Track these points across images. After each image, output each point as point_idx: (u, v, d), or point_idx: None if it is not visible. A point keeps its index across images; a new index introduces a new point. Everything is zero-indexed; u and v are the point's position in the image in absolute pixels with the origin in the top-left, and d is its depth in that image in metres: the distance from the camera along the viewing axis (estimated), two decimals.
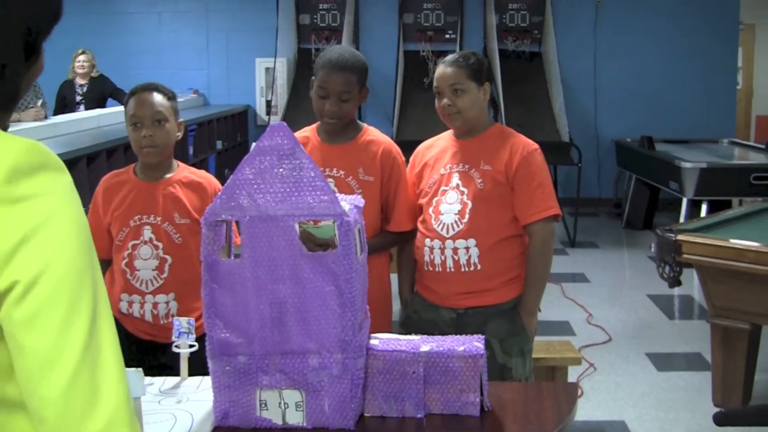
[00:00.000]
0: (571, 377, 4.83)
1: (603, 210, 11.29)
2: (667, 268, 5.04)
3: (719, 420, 3.14)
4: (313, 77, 3.42)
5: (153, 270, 3.22)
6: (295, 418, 2.36)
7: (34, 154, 1.30)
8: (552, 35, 11.08)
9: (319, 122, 3.45)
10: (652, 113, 11.46)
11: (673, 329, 6.63)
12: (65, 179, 1.34)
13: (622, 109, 11.56)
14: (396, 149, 3.55)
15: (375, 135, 3.55)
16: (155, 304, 3.22)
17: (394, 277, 3.85)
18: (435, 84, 3.52)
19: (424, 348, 2.43)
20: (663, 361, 5.87)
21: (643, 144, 9.82)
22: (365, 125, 3.57)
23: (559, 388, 2.80)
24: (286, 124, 2.28)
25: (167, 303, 3.23)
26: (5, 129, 1.40)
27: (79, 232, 1.31)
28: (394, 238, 3.57)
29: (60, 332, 1.26)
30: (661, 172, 9.19)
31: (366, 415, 2.43)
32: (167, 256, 3.22)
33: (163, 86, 3.32)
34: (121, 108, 3.32)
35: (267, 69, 11.97)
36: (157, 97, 3.24)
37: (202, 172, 3.42)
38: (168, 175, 3.29)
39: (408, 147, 3.82)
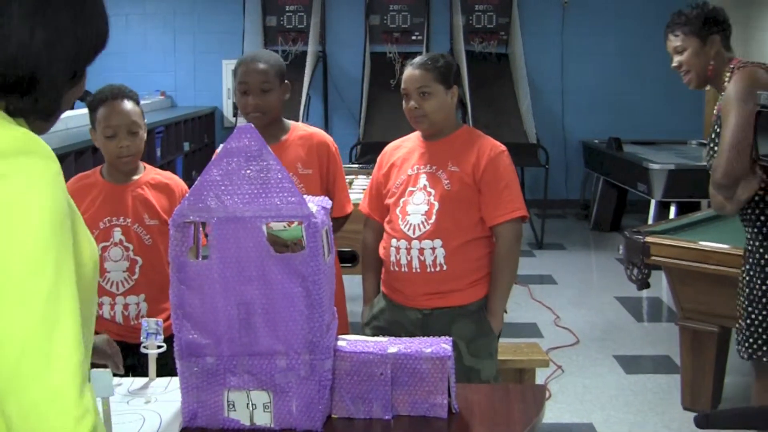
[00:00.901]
0: (539, 379, 4.86)
1: (570, 212, 11.31)
2: (635, 270, 5.06)
3: (700, 422, 3.15)
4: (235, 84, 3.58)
5: (124, 272, 3.22)
6: (263, 419, 2.37)
7: (21, 140, 1.43)
8: (519, 36, 11.11)
9: None
10: (620, 114, 11.50)
11: (641, 331, 6.65)
12: (50, 167, 1.43)
13: (589, 110, 11.60)
14: (329, 138, 3.70)
15: (304, 129, 3.68)
16: (126, 305, 3.22)
17: (359, 278, 3.86)
18: (402, 86, 3.54)
19: (392, 350, 2.43)
20: (631, 364, 5.88)
21: (611, 145, 9.86)
22: (291, 122, 3.69)
23: (526, 390, 2.82)
24: (253, 126, 2.28)
25: (138, 304, 3.23)
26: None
27: (50, 215, 1.39)
28: (339, 223, 3.68)
29: (13, 306, 1.35)
30: (629, 174, 9.21)
31: (333, 416, 2.43)
32: (138, 258, 3.22)
33: (129, 90, 3.32)
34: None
35: (233, 71, 11.93)
36: (129, 105, 3.24)
37: (169, 174, 3.43)
38: (135, 177, 3.29)
39: (375, 148, 3.86)
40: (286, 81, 3.57)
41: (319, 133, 3.66)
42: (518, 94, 10.89)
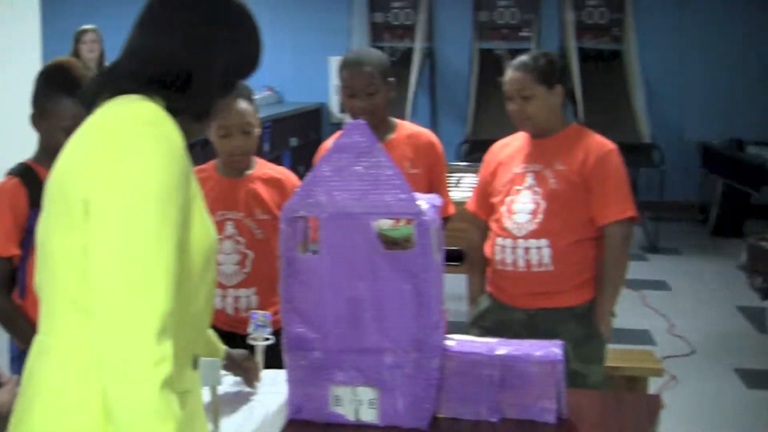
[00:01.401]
0: (651, 389, 4.71)
1: (687, 215, 10.75)
2: (759, 279, 4.87)
3: None
4: (340, 84, 3.55)
5: (235, 264, 3.23)
6: (369, 415, 2.36)
7: (152, 111, 1.70)
8: (633, 33, 10.85)
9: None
10: (741, 114, 11.00)
11: (766, 344, 6.31)
12: (172, 140, 1.69)
13: (707, 109, 11.13)
14: (435, 137, 3.65)
15: (411, 128, 3.64)
16: (236, 298, 3.23)
17: (464, 277, 3.84)
18: (505, 88, 3.52)
19: (501, 351, 2.40)
20: (754, 378, 5.57)
21: (732, 146, 9.51)
22: (398, 121, 3.65)
23: (640, 399, 2.76)
24: (365, 122, 2.27)
25: (248, 297, 3.24)
26: (197, 139, 1.85)
27: (160, 179, 1.62)
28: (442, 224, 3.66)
29: (114, 250, 1.59)
30: (752, 177, 8.83)
31: (440, 416, 2.41)
32: (249, 251, 3.23)
33: (244, 88, 3.25)
34: None
35: (338, 71, 11.99)
36: (243, 105, 3.20)
37: (281, 168, 3.43)
38: (249, 172, 3.29)
39: (483, 146, 3.83)
40: (391, 79, 3.53)
41: (426, 132, 3.63)
42: (632, 93, 10.66)
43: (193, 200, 1.76)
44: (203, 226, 1.78)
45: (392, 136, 3.53)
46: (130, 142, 1.64)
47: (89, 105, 1.80)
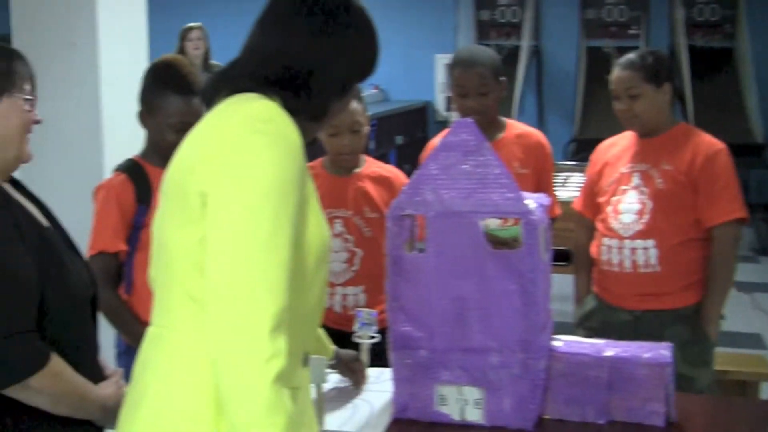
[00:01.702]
0: (763, 394, 4.59)
1: None
2: None
3: None
4: (451, 82, 3.53)
5: (343, 262, 3.23)
6: (474, 415, 2.35)
7: (272, 109, 1.74)
8: (745, 29, 10.61)
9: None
10: None
11: None
12: (289, 138, 1.72)
13: None
14: (544, 138, 3.61)
15: (521, 127, 3.61)
16: (344, 296, 3.24)
17: (570, 277, 3.80)
18: (611, 87, 3.49)
19: (608, 353, 2.37)
20: None
21: None
22: (507, 120, 3.62)
23: (752, 405, 2.70)
24: (472, 121, 2.27)
25: (356, 295, 3.25)
26: (313, 141, 1.90)
27: (277, 176, 1.65)
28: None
29: (232, 243, 1.63)
30: None
31: (546, 417, 2.39)
32: (357, 249, 3.24)
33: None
34: None
35: (446, 65, 11.99)
36: (353, 104, 3.22)
37: (390, 167, 3.42)
38: (357, 170, 3.29)
39: (590, 145, 3.80)
40: (502, 78, 3.51)
41: (536, 132, 3.60)
42: (744, 92, 10.42)
43: (309, 198, 1.79)
44: (318, 224, 1.81)
45: (502, 135, 3.51)
46: (249, 139, 1.68)
47: (209, 102, 1.85)
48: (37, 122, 2.24)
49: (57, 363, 2.06)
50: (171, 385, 1.72)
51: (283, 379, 1.60)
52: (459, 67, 3.45)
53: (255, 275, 1.61)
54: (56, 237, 2.27)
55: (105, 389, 2.23)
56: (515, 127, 3.57)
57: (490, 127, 3.46)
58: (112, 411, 2.21)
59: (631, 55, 3.49)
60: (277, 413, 1.58)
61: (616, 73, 3.47)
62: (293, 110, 1.77)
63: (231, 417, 1.60)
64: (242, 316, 1.59)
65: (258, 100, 1.75)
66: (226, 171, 1.66)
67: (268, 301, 1.60)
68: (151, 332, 1.83)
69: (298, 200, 1.69)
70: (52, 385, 2.05)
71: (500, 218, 2.61)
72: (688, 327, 3.42)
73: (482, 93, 3.41)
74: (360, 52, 1.88)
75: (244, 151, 1.67)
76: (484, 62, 3.43)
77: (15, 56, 2.21)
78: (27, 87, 2.21)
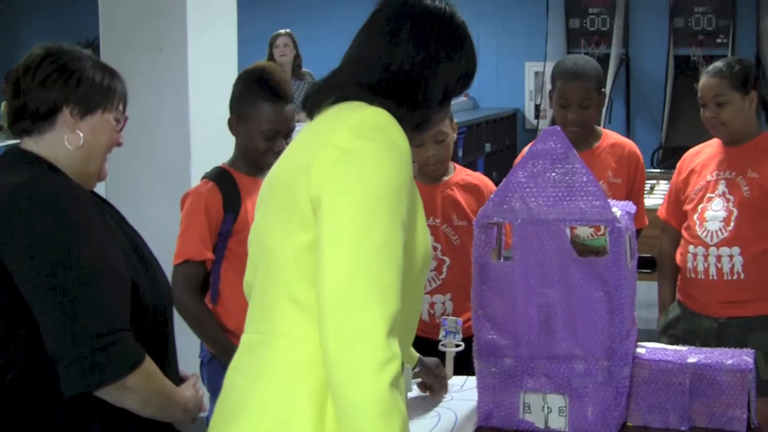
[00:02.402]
0: None
1: None
2: None
3: None
4: (550, 89, 3.50)
5: (431, 270, 3.22)
6: (558, 422, 2.36)
7: (385, 116, 1.77)
8: None
9: None
10: None
11: None
12: (401, 145, 1.76)
13: None
14: (637, 148, 3.60)
15: (615, 137, 3.60)
16: (432, 304, 3.25)
17: (655, 284, 3.79)
18: (699, 94, 3.49)
19: (691, 359, 2.37)
20: None
21: None
22: (603, 129, 3.61)
23: None
24: (560, 129, 2.28)
25: (443, 303, 3.25)
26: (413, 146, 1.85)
27: (391, 182, 1.69)
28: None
29: (346, 250, 1.64)
30: None
31: (629, 424, 2.39)
32: (445, 258, 3.24)
33: None
34: None
35: (536, 73, 11.95)
36: None
37: (478, 174, 3.42)
38: (446, 178, 3.30)
39: (677, 153, 3.80)
40: (603, 90, 3.50)
41: (630, 143, 3.60)
42: None
43: (417, 205, 1.83)
44: (424, 230, 1.84)
45: (597, 143, 3.52)
46: (362, 145, 1.71)
47: (312, 109, 1.89)
48: (119, 144, 2.29)
49: (150, 363, 2.08)
50: (285, 392, 1.73)
51: (397, 381, 1.62)
52: (564, 78, 3.45)
53: (370, 280, 1.62)
54: (142, 241, 2.32)
55: (185, 391, 2.26)
56: (610, 136, 3.57)
57: (586, 135, 3.47)
58: (191, 413, 2.25)
59: (718, 63, 3.48)
60: (393, 416, 1.59)
61: (704, 80, 3.46)
62: (398, 119, 1.80)
63: (349, 422, 1.61)
64: (359, 321, 1.60)
65: (369, 108, 1.79)
66: (340, 177, 1.69)
67: (384, 305, 1.62)
68: (251, 339, 1.84)
69: (409, 206, 1.72)
70: (144, 384, 2.06)
71: (591, 227, 2.62)
72: None
73: (584, 106, 3.41)
74: (461, 65, 1.92)
75: (358, 157, 1.70)
76: (589, 75, 3.43)
77: (116, 75, 2.27)
78: (121, 107, 2.26)
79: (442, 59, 1.87)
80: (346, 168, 1.69)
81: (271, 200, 1.82)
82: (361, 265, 1.63)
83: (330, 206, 1.67)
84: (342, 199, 1.67)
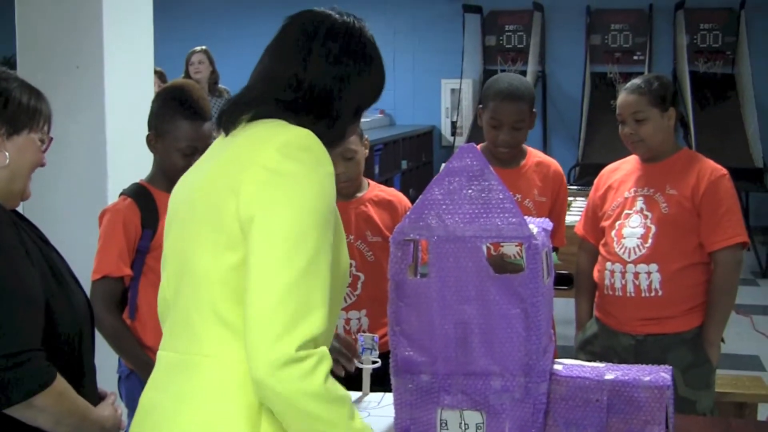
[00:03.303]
0: (761, 415, 4.62)
1: None
2: None
3: None
4: (480, 105, 3.48)
5: (347, 287, 3.21)
6: None
7: (305, 137, 1.81)
8: (746, 56, 10.68)
9: (482, 146, 3.44)
10: None
11: None
12: (325, 166, 1.80)
13: None
14: (560, 168, 3.63)
15: (540, 156, 3.62)
16: (347, 320, 3.25)
17: (572, 301, 3.81)
18: (617, 111, 3.53)
19: (609, 376, 2.38)
20: None
21: None
22: (527, 147, 3.62)
23: (749, 426, 2.71)
24: (475, 146, 2.29)
25: (359, 319, 3.25)
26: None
27: (317, 205, 1.73)
28: None
29: (276, 270, 1.66)
30: None
31: None
32: (360, 274, 3.25)
33: None
34: None
35: (452, 90, 12.05)
36: None
37: (392, 190, 3.44)
38: (359, 194, 3.31)
39: (594, 170, 3.83)
40: (534, 110, 3.50)
41: (555, 162, 3.62)
42: (745, 116, 10.48)
43: (338, 223, 1.88)
44: (344, 248, 1.92)
45: (523, 161, 3.52)
46: (292, 167, 1.74)
47: (227, 127, 1.90)
48: (42, 165, 2.31)
49: (61, 382, 2.07)
50: (216, 414, 1.72)
51: (328, 372, 1.68)
52: (498, 99, 3.40)
53: (299, 301, 1.65)
54: (59, 259, 2.31)
55: (103, 411, 2.25)
56: (535, 155, 3.59)
57: (515, 154, 3.48)
58: None
59: (637, 80, 3.52)
60: (340, 404, 1.71)
61: (623, 97, 3.50)
62: (317, 136, 1.84)
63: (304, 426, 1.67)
64: (287, 346, 1.62)
65: (292, 128, 1.81)
66: (270, 198, 1.71)
67: (314, 323, 1.66)
68: (171, 358, 1.83)
69: (333, 226, 1.76)
70: (55, 404, 2.06)
71: (517, 246, 2.62)
72: (690, 350, 3.43)
73: (517, 128, 3.40)
74: (372, 78, 1.98)
75: (287, 179, 1.73)
76: (523, 96, 3.41)
77: (41, 97, 2.29)
78: (46, 128, 2.29)
79: (354, 74, 1.92)
80: (276, 189, 1.72)
81: (194, 218, 1.81)
82: (291, 286, 1.65)
83: (260, 227, 1.70)
84: (273, 221, 1.69)
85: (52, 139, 2.32)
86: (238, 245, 1.71)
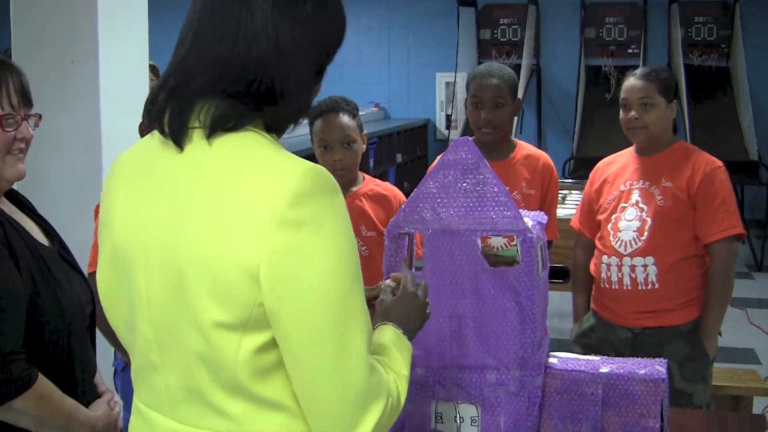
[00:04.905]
0: (756, 409, 4.62)
1: None
2: None
3: None
4: (465, 98, 3.56)
5: None
6: None
7: (314, 179, 1.50)
8: (741, 49, 10.68)
9: (472, 138, 3.46)
10: None
11: None
12: (340, 201, 1.54)
13: None
14: (551, 160, 3.63)
15: (530, 149, 3.62)
16: None
17: (570, 294, 3.81)
18: (623, 95, 3.50)
19: (604, 369, 2.38)
20: None
21: None
22: (517, 140, 3.64)
23: (744, 419, 2.72)
24: (470, 139, 2.28)
25: None
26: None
27: (347, 251, 1.52)
28: None
29: (332, 354, 1.48)
30: None
31: None
32: None
33: (346, 103, 3.30)
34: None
35: (447, 83, 12.05)
36: (344, 119, 3.23)
37: (387, 185, 3.43)
38: (354, 188, 3.30)
39: (588, 163, 3.83)
40: (518, 97, 3.54)
41: (545, 155, 3.63)
42: (739, 110, 10.48)
43: None
44: None
45: (512, 154, 3.53)
46: (314, 229, 1.47)
47: (178, 136, 1.55)
48: (23, 140, 2.18)
49: (43, 385, 2.04)
50: None
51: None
52: (476, 79, 3.48)
53: (361, 379, 1.52)
54: (54, 255, 2.25)
55: (96, 410, 2.21)
56: (524, 147, 3.59)
57: (501, 145, 3.49)
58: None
59: (646, 68, 3.54)
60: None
61: (631, 82, 3.49)
62: (279, 122, 1.59)
63: None
64: (365, 425, 1.53)
65: (294, 160, 1.51)
66: (300, 278, 1.46)
67: (379, 406, 1.55)
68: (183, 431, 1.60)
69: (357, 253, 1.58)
70: (37, 407, 2.03)
71: (504, 238, 2.62)
72: (687, 343, 3.43)
73: (497, 105, 3.43)
74: (329, 24, 1.60)
75: (313, 245, 1.47)
76: (501, 76, 3.47)
77: (3, 68, 2.15)
78: (9, 101, 2.14)
79: (305, 23, 1.54)
80: (305, 265, 1.46)
81: (186, 289, 1.51)
82: (351, 366, 1.50)
83: (298, 313, 1.47)
84: (311, 307, 1.47)
85: (26, 116, 2.17)
86: (263, 326, 1.48)
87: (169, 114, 1.55)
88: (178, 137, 1.53)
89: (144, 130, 3.09)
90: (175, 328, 1.54)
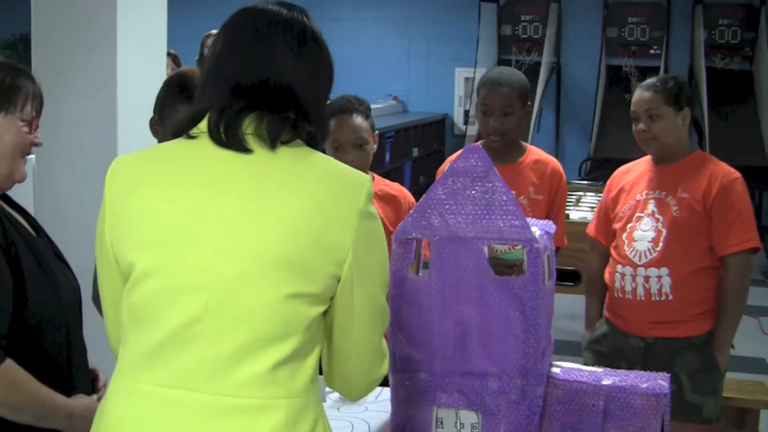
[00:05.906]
0: (763, 421, 4.57)
1: None
2: None
3: None
4: (477, 100, 3.54)
5: None
6: None
7: (370, 182, 1.86)
8: (765, 53, 10.61)
9: (481, 142, 3.47)
10: None
11: None
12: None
13: None
14: (560, 166, 3.63)
15: (539, 154, 3.62)
16: None
17: (581, 297, 3.80)
18: (632, 108, 3.52)
19: (606, 381, 2.37)
20: None
21: None
22: (527, 145, 3.64)
23: None
24: (481, 147, 2.28)
25: None
26: None
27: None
28: None
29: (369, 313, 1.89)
30: None
31: None
32: None
33: (360, 103, 3.29)
34: None
35: (466, 79, 12.03)
36: (358, 120, 3.23)
37: (397, 185, 3.43)
38: None
39: (605, 164, 3.85)
40: (528, 103, 3.53)
41: (553, 160, 3.63)
42: (761, 114, 10.42)
43: None
44: None
45: (521, 158, 3.53)
46: (376, 220, 1.87)
47: (236, 143, 1.80)
48: (35, 144, 2.25)
49: (13, 373, 2.04)
50: None
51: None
52: (486, 86, 3.48)
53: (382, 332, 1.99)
54: (46, 248, 2.28)
55: (79, 399, 2.22)
56: (534, 152, 3.59)
57: (510, 149, 3.49)
58: (79, 420, 2.20)
59: (652, 79, 3.53)
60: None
61: (638, 94, 3.49)
62: (315, 138, 1.87)
63: None
64: (381, 370, 2.01)
65: (355, 171, 1.86)
66: (372, 253, 1.86)
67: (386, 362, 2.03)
68: (208, 401, 1.68)
69: None
70: (8, 394, 2.04)
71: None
72: (699, 355, 3.42)
73: (506, 114, 3.42)
74: (329, 63, 1.94)
75: (376, 230, 1.88)
76: (511, 84, 3.45)
77: (21, 75, 2.22)
78: (28, 108, 2.21)
79: (315, 63, 1.89)
80: (374, 245, 1.87)
81: (262, 263, 1.72)
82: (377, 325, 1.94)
83: (369, 271, 1.85)
84: (375, 272, 1.89)
85: (36, 119, 2.26)
86: (327, 300, 1.82)
87: (224, 125, 1.81)
88: (238, 144, 1.79)
89: (155, 126, 3.08)
90: (242, 298, 1.71)
